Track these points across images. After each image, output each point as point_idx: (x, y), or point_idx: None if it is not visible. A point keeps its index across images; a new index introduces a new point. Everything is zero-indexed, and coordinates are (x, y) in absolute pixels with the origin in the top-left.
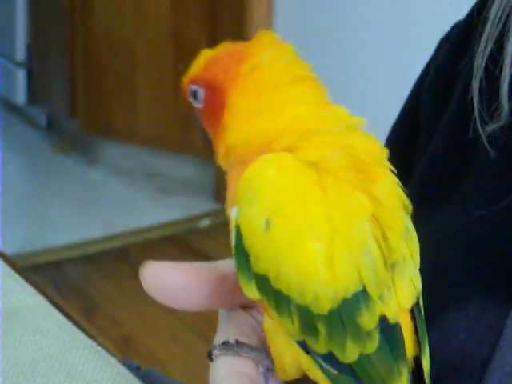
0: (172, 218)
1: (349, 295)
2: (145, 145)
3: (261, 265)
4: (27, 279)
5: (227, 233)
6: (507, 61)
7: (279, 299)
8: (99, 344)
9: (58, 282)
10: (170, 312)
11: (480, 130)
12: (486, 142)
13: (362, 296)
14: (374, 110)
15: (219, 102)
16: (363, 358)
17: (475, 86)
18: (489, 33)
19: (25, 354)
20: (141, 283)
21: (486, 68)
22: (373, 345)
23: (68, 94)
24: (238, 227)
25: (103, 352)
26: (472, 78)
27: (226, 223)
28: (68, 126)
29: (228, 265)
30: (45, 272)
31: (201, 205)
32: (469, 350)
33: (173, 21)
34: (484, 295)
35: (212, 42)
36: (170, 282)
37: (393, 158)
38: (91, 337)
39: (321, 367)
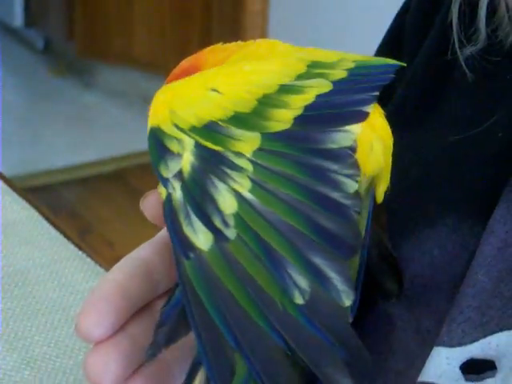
0: None
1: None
2: (141, 69)
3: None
4: (23, 196)
5: None
6: None
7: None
8: (88, 256)
9: (54, 204)
10: None
11: (458, 53)
12: (464, 65)
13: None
14: None
15: None
16: None
17: (454, 9)
18: None
19: (17, 264)
20: (136, 206)
21: None
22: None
23: (65, 17)
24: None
25: (92, 263)
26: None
27: None
28: (65, 49)
29: None
30: (40, 194)
31: None
32: (441, 266)
33: None
34: (459, 214)
35: None
36: None
37: None
38: (80, 248)
39: None
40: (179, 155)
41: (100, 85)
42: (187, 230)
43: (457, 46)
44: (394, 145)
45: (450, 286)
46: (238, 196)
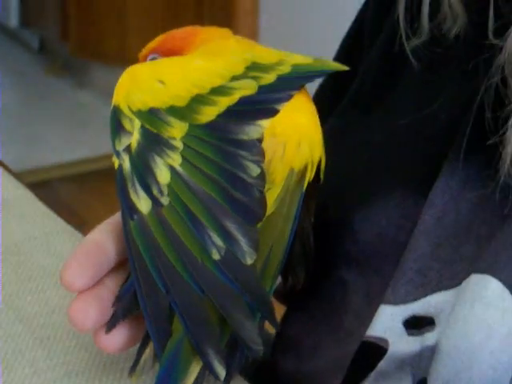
0: None
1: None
2: None
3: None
4: (17, 178)
5: None
6: None
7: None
8: (77, 229)
9: (48, 200)
10: None
11: (405, 45)
12: (410, 55)
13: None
14: None
15: None
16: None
17: (400, 4)
18: None
19: (11, 236)
20: None
21: None
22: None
23: (60, 18)
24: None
25: (80, 235)
26: None
27: None
28: (60, 49)
29: None
30: (35, 190)
31: None
32: (388, 235)
33: None
34: (404, 188)
35: None
36: None
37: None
38: (69, 223)
39: None
40: (130, 133)
41: (94, 84)
42: (133, 196)
43: (404, 38)
44: (341, 131)
45: (397, 252)
46: (171, 169)
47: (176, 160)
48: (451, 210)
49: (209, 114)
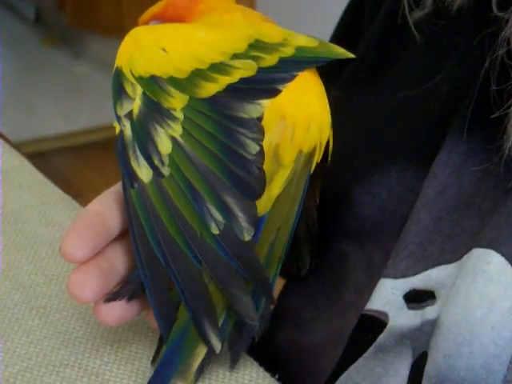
0: None
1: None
2: None
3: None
4: (15, 147)
5: None
6: None
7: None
8: (74, 199)
9: (44, 171)
10: None
11: (408, 17)
12: (413, 28)
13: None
14: None
15: None
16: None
17: None
18: None
19: (8, 206)
20: None
21: None
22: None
23: None
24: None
25: (77, 205)
26: None
27: None
28: (56, 20)
29: None
30: (31, 161)
31: None
32: (389, 208)
33: None
34: (405, 161)
35: None
36: None
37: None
38: (66, 193)
39: None
40: (132, 98)
41: (91, 55)
42: (133, 163)
43: (407, 10)
44: (341, 103)
45: (397, 225)
46: (173, 140)
47: (177, 131)
48: (453, 183)
49: (208, 89)
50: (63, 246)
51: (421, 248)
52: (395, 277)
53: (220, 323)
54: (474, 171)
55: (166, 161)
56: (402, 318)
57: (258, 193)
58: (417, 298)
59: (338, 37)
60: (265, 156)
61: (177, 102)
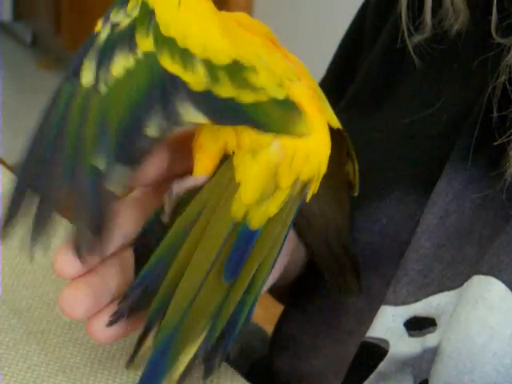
0: None
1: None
2: None
3: (171, 30)
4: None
5: None
6: None
7: (184, 55)
8: None
9: None
10: None
11: (407, 41)
12: (412, 52)
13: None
14: None
15: None
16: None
17: (403, 1)
18: None
19: None
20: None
21: None
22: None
23: (52, 11)
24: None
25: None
26: None
27: None
28: (52, 43)
29: None
30: None
31: None
32: (389, 234)
33: None
34: (406, 187)
35: None
36: None
37: (337, 72)
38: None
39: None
40: (128, 15)
41: None
42: (85, 62)
43: (406, 34)
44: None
45: (397, 252)
46: (126, 71)
47: (130, 66)
48: (454, 210)
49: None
50: (55, 262)
51: (421, 275)
52: (396, 304)
53: (204, 335)
54: (474, 198)
55: (110, 82)
56: (402, 345)
57: (129, 164)
58: (418, 325)
59: (338, 64)
60: (217, 160)
61: (145, 44)
